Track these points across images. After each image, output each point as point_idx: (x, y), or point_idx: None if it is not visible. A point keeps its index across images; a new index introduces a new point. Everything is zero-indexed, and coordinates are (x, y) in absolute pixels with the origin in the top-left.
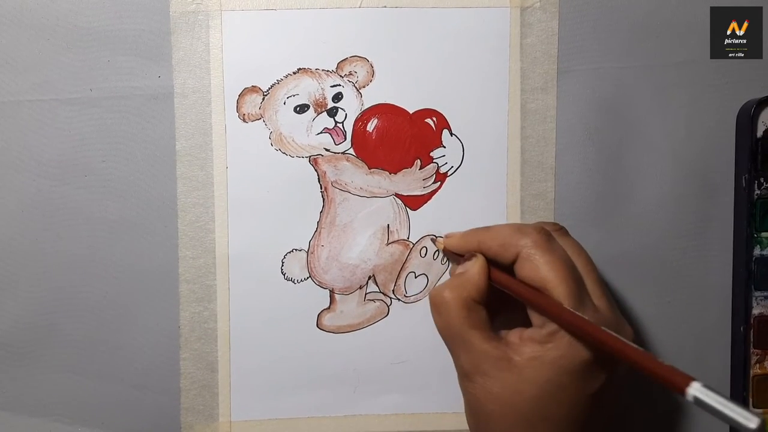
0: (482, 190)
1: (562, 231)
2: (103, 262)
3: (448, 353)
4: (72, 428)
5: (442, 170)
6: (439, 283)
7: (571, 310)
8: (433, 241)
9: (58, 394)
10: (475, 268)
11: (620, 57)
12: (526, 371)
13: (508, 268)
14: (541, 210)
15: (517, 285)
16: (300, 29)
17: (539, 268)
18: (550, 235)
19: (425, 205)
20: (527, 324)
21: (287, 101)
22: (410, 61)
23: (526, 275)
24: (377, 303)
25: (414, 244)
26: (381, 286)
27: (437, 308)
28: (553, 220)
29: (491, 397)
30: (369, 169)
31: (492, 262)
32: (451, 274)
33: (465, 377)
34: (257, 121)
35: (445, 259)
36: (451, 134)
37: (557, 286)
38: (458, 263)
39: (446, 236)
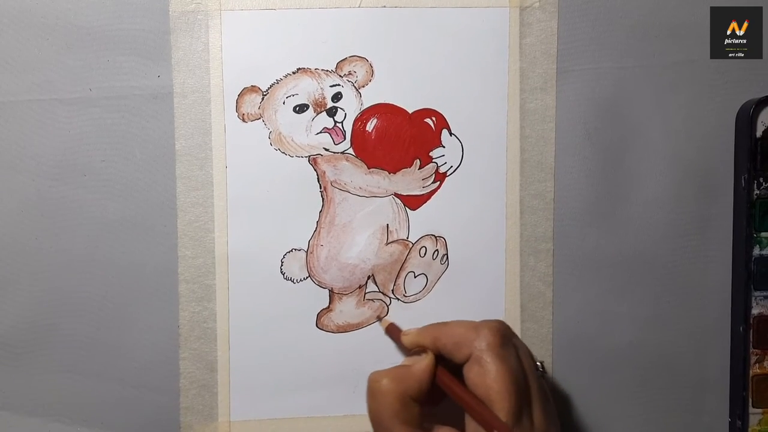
0: (481, 190)
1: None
2: (103, 262)
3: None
4: (72, 428)
5: (442, 170)
6: (438, 283)
7: (507, 426)
8: (379, 319)
9: (57, 394)
10: (422, 364)
11: (620, 57)
12: None
13: (460, 366)
14: (541, 210)
15: (460, 391)
16: (299, 29)
17: (486, 374)
18: (506, 337)
19: (424, 204)
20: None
21: (286, 101)
22: (410, 61)
23: (473, 378)
24: (377, 303)
25: (413, 244)
26: (380, 286)
27: (373, 393)
28: (552, 220)
29: None
30: (368, 168)
31: (445, 360)
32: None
33: None
34: (256, 121)
35: (445, 258)
36: (451, 134)
37: (499, 400)
38: (409, 354)
39: (404, 333)
